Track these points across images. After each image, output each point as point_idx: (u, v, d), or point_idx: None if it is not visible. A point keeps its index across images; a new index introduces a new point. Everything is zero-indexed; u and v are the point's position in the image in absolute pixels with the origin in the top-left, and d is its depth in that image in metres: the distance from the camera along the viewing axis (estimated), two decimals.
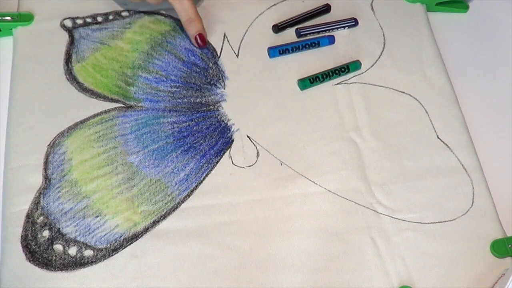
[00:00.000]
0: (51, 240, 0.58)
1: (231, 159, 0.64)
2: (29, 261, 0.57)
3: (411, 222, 0.61)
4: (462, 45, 0.75)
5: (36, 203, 0.60)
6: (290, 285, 0.57)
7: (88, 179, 0.61)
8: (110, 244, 0.58)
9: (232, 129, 0.66)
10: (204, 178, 0.62)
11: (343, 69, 0.70)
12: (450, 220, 0.61)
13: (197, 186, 0.62)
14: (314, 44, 0.71)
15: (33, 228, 0.58)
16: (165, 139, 0.64)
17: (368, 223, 0.61)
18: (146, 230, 0.59)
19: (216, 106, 0.67)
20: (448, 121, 0.67)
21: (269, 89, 0.69)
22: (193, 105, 0.67)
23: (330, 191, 0.62)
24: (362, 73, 0.70)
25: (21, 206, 0.59)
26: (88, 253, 0.58)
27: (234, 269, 0.58)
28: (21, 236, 0.58)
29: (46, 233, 0.58)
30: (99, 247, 0.58)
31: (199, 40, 0.70)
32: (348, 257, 0.59)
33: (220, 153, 0.64)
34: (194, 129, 0.65)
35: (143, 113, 0.66)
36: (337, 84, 0.69)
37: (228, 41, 0.72)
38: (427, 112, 0.68)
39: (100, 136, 0.64)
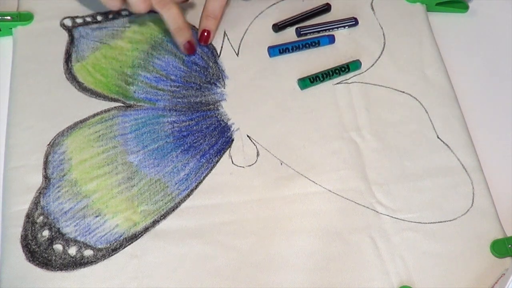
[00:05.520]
0: (51, 240, 0.58)
1: (231, 158, 0.64)
2: (29, 261, 0.57)
3: (411, 222, 0.61)
4: (462, 45, 0.75)
5: (36, 202, 0.60)
6: (290, 285, 0.57)
7: (87, 178, 0.61)
8: (110, 244, 0.58)
9: (232, 129, 0.66)
10: (204, 178, 0.62)
11: (343, 69, 0.70)
12: (450, 220, 0.61)
13: (197, 186, 0.62)
14: (314, 43, 0.71)
15: (33, 228, 0.58)
16: (165, 139, 0.64)
17: (368, 223, 0.61)
18: (146, 229, 0.59)
19: (216, 106, 0.67)
20: (448, 121, 0.67)
21: (269, 88, 0.69)
22: (193, 104, 0.67)
23: (330, 191, 0.62)
24: (362, 72, 0.70)
25: (21, 206, 0.59)
26: (88, 253, 0.58)
27: (234, 269, 0.58)
28: (21, 236, 0.58)
29: (46, 233, 0.58)
30: (99, 247, 0.58)
31: (187, 48, 0.69)
32: (348, 257, 0.59)
33: (220, 153, 0.64)
34: (194, 128, 0.65)
35: (142, 113, 0.66)
36: (337, 83, 0.69)
37: (228, 40, 0.72)
38: (427, 112, 0.68)
39: (99, 136, 0.64)
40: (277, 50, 0.70)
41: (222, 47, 0.71)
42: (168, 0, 0.66)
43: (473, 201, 0.63)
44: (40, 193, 0.60)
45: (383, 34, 0.73)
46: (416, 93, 0.69)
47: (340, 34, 0.73)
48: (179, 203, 0.61)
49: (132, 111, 0.66)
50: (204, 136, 0.65)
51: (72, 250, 0.58)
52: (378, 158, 0.65)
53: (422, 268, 0.58)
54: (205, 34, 0.70)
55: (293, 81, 0.69)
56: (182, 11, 0.68)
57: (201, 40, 0.70)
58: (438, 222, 0.61)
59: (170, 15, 0.67)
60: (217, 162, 0.63)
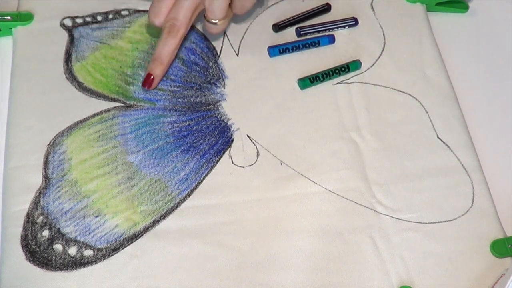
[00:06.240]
0: (51, 240, 0.58)
1: (231, 158, 0.64)
2: (29, 261, 0.57)
3: (411, 222, 0.61)
4: (462, 45, 0.75)
5: (36, 202, 0.60)
6: (290, 285, 0.57)
7: (87, 178, 0.61)
8: (110, 244, 0.58)
9: (232, 129, 0.66)
10: (204, 178, 0.62)
11: (343, 69, 0.70)
12: (450, 220, 0.61)
13: (197, 186, 0.62)
14: (314, 43, 0.71)
15: (33, 228, 0.58)
16: (165, 139, 0.64)
17: (368, 223, 0.61)
18: (146, 229, 0.59)
19: (216, 106, 0.67)
20: (448, 121, 0.67)
21: (269, 88, 0.69)
22: (193, 104, 0.67)
23: (330, 191, 0.62)
24: (362, 72, 0.70)
25: (21, 206, 0.59)
26: (88, 253, 0.58)
27: (234, 269, 0.58)
28: (21, 236, 0.58)
29: (46, 233, 0.58)
30: (99, 247, 0.58)
31: (146, 79, 0.66)
32: (348, 257, 0.59)
33: (220, 153, 0.64)
34: (194, 128, 0.65)
35: (142, 113, 0.66)
36: (337, 83, 0.69)
37: (228, 40, 0.72)
38: (427, 112, 0.68)
39: (100, 136, 0.64)
40: (277, 50, 0.70)
41: (222, 47, 0.71)
42: (178, 28, 0.64)
43: (473, 201, 0.63)
44: (40, 193, 0.60)
45: (383, 34, 0.73)
46: (416, 93, 0.69)
47: (340, 34, 0.73)
48: (179, 203, 0.61)
49: (132, 111, 0.66)
50: (204, 136, 0.65)
51: (72, 250, 0.58)
52: (378, 158, 0.65)
53: (422, 268, 0.58)
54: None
55: (293, 81, 0.69)
56: (178, 46, 0.66)
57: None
58: (438, 222, 0.61)
59: (165, 42, 0.65)
60: (217, 162, 0.63)
